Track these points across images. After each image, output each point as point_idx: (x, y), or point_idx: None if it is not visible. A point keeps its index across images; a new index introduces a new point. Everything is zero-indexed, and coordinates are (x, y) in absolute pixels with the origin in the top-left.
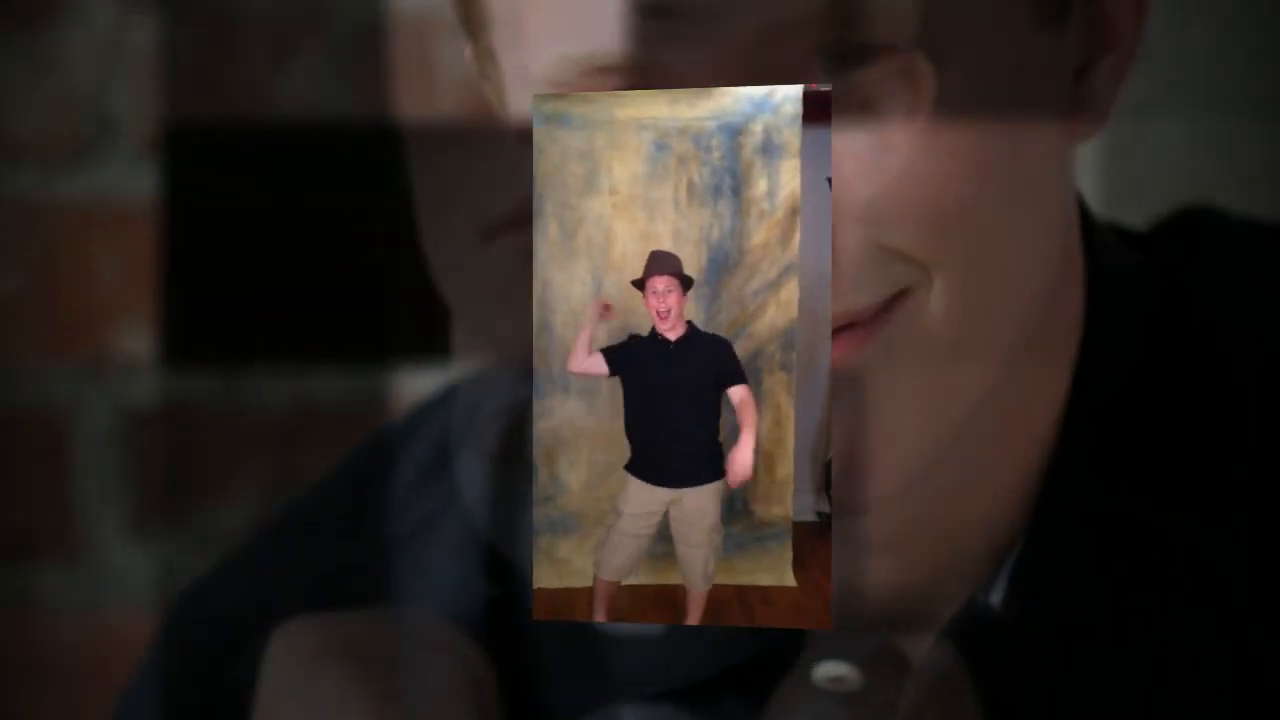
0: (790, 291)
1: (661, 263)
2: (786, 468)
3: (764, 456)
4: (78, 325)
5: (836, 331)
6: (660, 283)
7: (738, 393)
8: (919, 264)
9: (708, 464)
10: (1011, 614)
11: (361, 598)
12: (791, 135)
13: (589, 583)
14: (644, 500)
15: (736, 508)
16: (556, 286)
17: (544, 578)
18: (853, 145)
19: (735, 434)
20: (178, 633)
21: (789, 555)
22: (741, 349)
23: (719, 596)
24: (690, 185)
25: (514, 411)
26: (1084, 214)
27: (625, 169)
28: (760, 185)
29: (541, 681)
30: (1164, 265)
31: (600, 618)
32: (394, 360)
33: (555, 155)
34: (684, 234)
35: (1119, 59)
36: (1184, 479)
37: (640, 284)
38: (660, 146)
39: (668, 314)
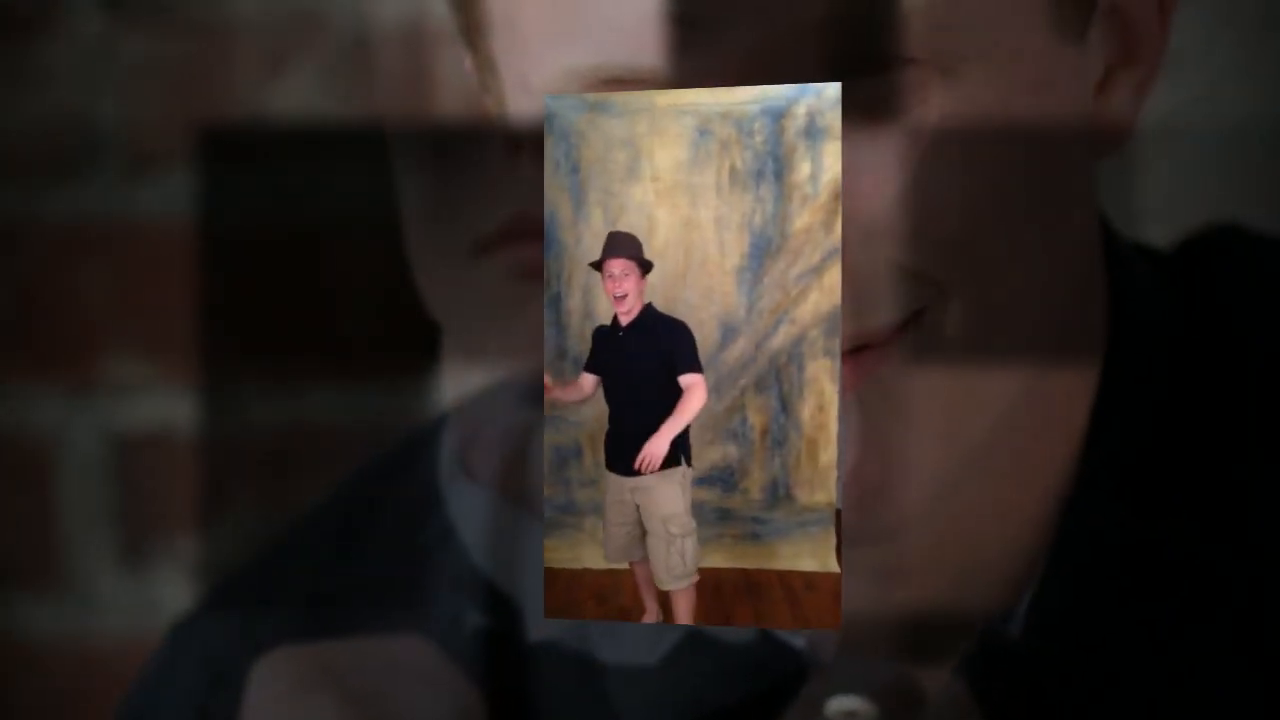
0: (833, 276)
1: (619, 245)
2: (830, 453)
3: (807, 443)
4: (64, 348)
5: (851, 353)
6: (616, 266)
7: (685, 381)
8: (935, 283)
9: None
10: (1031, 644)
11: (351, 629)
12: (834, 118)
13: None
14: (615, 489)
15: (780, 493)
16: (598, 275)
17: (591, 558)
18: (862, 158)
19: (743, 429)
20: (166, 663)
21: (833, 541)
22: (785, 335)
23: (761, 581)
24: (732, 170)
25: (515, 437)
26: (1107, 232)
27: (667, 155)
28: (803, 169)
29: (538, 714)
30: (1189, 285)
31: (650, 616)
32: (386, 381)
33: (598, 143)
34: (726, 220)
35: (1142, 72)
36: (1210, 504)
37: (599, 266)
38: (703, 132)
39: (624, 298)
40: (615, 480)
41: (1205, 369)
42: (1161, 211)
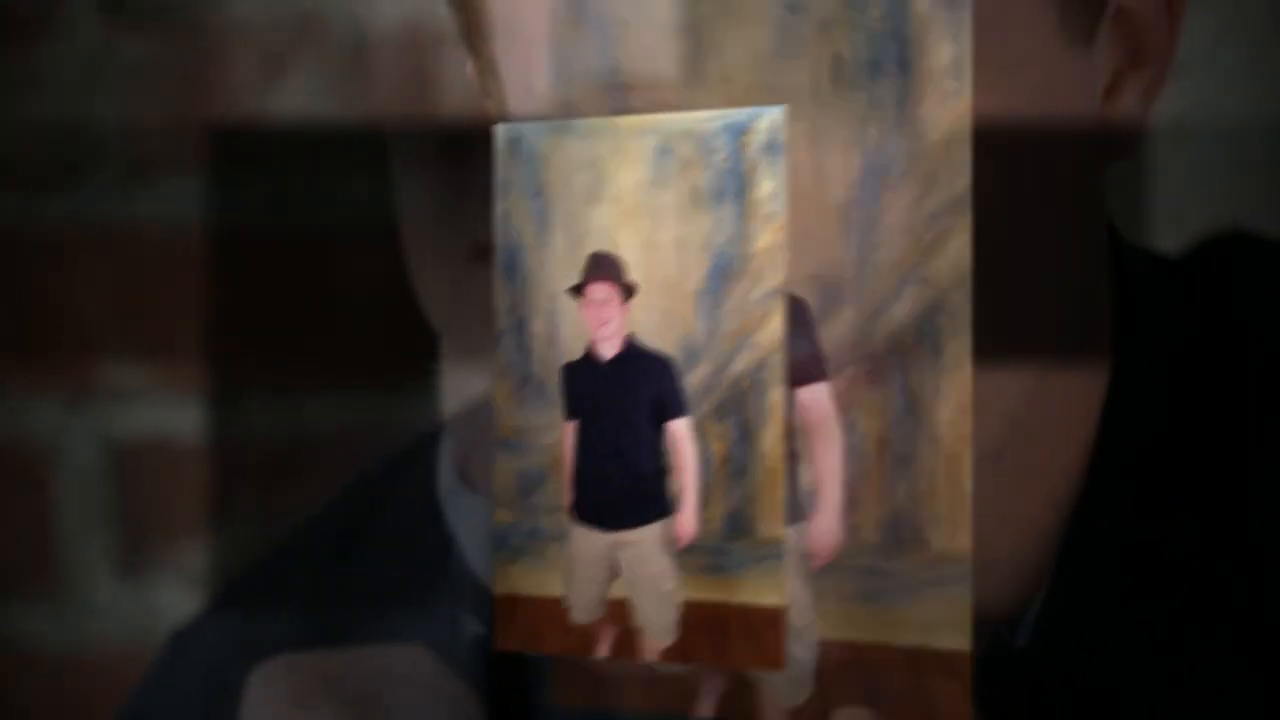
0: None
1: (602, 267)
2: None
3: (767, 472)
4: (64, 353)
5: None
6: (600, 290)
7: (674, 428)
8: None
9: (648, 503)
10: (1036, 650)
11: (350, 637)
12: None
13: None
14: (587, 545)
15: (740, 524)
16: (564, 299)
17: (559, 585)
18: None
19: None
20: (166, 669)
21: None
22: (745, 360)
23: (723, 615)
24: (693, 190)
25: None
26: (1114, 237)
27: (629, 175)
28: (765, 186)
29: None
30: (1195, 289)
31: (602, 652)
32: (386, 387)
33: (562, 165)
34: (687, 241)
35: (1151, 75)
36: (1216, 508)
37: (579, 290)
38: (663, 151)
39: (607, 326)
40: (588, 536)
41: (1211, 373)
42: (1169, 215)
